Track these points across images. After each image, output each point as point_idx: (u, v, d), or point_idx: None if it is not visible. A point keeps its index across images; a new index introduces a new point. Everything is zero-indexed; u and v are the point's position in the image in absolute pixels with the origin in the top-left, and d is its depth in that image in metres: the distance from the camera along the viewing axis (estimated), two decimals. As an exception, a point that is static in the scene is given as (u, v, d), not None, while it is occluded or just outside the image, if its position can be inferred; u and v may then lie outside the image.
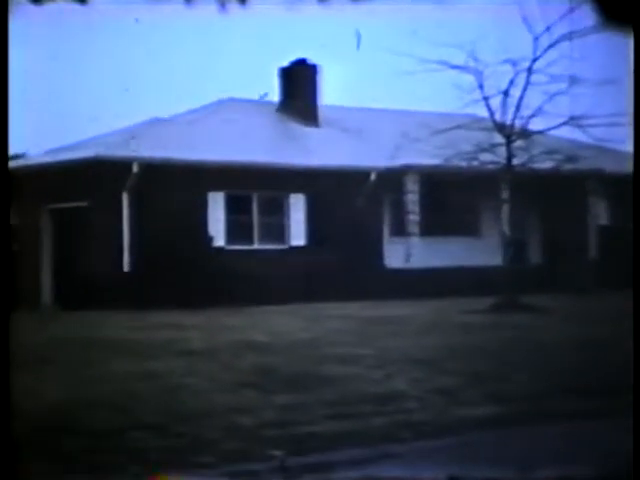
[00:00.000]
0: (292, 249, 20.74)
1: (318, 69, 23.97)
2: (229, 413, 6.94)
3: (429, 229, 21.52)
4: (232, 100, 24.20)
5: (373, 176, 21.26)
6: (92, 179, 18.88)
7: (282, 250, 20.64)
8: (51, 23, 19.50)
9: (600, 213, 23.82)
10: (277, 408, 7.13)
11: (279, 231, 20.90)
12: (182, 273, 18.31)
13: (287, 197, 20.90)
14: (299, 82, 23.76)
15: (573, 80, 17.14)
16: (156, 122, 21.37)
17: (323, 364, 9.44)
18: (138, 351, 10.70)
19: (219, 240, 19.84)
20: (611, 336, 11.76)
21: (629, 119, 16.97)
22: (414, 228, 21.40)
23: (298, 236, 20.85)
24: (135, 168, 18.75)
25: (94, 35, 42.80)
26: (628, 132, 18.99)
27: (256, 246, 20.52)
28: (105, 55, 40.63)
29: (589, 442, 6.30)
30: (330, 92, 24.65)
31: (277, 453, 5.65)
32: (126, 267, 18.80)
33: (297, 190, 20.79)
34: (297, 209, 20.91)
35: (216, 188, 19.86)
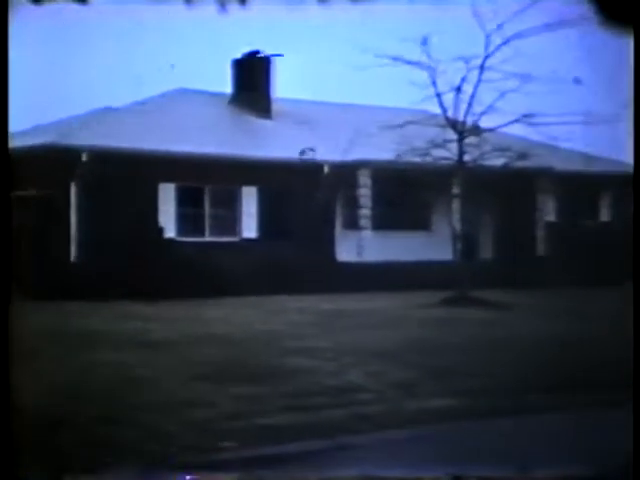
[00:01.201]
0: (244, 241, 20.62)
1: (271, 61, 23.84)
2: (185, 405, 6.86)
3: (381, 223, 21.62)
4: (184, 91, 23.93)
5: (326, 170, 21.24)
6: (41, 167, 18.47)
7: (234, 242, 20.50)
8: (51, 23, 19.17)
9: (548, 210, 24.21)
10: (233, 400, 7.07)
11: (231, 223, 20.75)
12: (131, 264, 18.05)
13: (239, 189, 20.76)
14: (252, 74, 23.59)
15: (525, 78, 17.34)
16: (107, 111, 21.01)
17: (280, 357, 9.41)
18: (90, 342, 10.51)
19: (170, 232, 19.62)
20: (560, 330, 11.96)
21: (584, 118, 17.33)
22: (366, 222, 21.46)
23: (250, 229, 20.74)
24: (84, 157, 18.41)
25: (94, 35, 42.13)
26: (578, 131, 19.37)
27: (208, 238, 20.34)
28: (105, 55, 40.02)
29: (543, 435, 6.38)
30: (284, 85, 24.56)
31: (228, 444, 5.62)
32: (73, 257, 18.46)
33: (249, 182, 20.66)
34: (249, 201, 20.78)
35: (167, 179, 19.61)
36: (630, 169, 25.35)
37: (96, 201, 18.60)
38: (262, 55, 23.70)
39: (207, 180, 20.15)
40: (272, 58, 23.86)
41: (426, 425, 6.54)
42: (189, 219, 20.12)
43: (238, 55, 24.03)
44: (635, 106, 4.29)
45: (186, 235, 19.88)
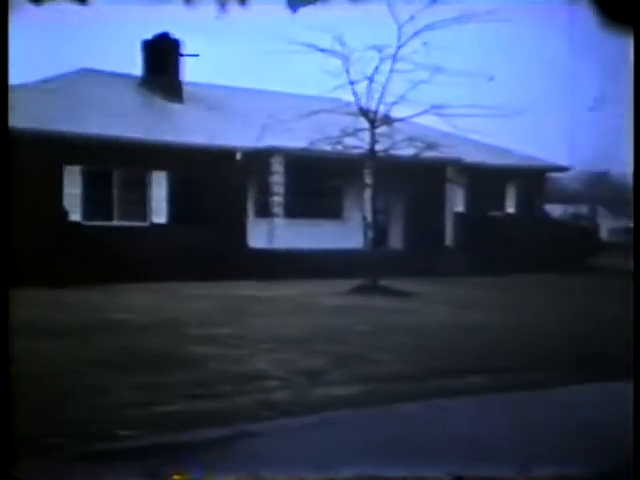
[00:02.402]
0: (153, 226, 20.26)
1: (181, 44, 23.42)
2: (87, 393, 6.68)
3: (293, 211, 21.60)
4: (90, 71, 23.27)
5: (238, 156, 21.06)
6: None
7: (143, 227, 20.11)
8: (51, 23, 18.39)
9: (457, 200, 24.70)
10: (133, 388, 6.92)
11: (140, 208, 20.34)
12: (34, 248, 17.48)
13: (149, 174, 20.36)
14: (162, 57, 23.13)
15: (436, 69, 17.56)
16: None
17: (185, 344, 9.26)
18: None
19: (75, 215, 19.08)
20: (475, 319, 12.21)
21: (494, 111, 17.66)
22: (278, 209, 21.41)
23: (160, 214, 20.38)
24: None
25: (94, 35, 40.48)
26: (488, 123, 19.77)
27: (115, 222, 19.89)
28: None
29: (452, 421, 6.47)
30: (196, 69, 24.22)
31: (125, 433, 5.50)
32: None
33: (159, 167, 20.29)
34: (159, 186, 20.41)
35: (72, 162, 19.05)
36: (536, 163, 26.13)
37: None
38: (171, 37, 23.27)
39: (115, 163, 19.68)
40: (181, 41, 23.43)
41: (331, 412, 6.53)
42: (96, 203, 19.61)
43: (148, 37, 23.55)
44: (635, 106, 4.33)
45: (93, 219, 19.38)
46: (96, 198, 19.63)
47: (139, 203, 20.33)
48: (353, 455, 5.32)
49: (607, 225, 44.85)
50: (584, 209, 44.49)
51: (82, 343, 9.25)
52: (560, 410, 6.96)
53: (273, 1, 2.98)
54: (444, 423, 6.31)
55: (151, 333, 10.18)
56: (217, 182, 20.71)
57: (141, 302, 14.25)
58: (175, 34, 23.28)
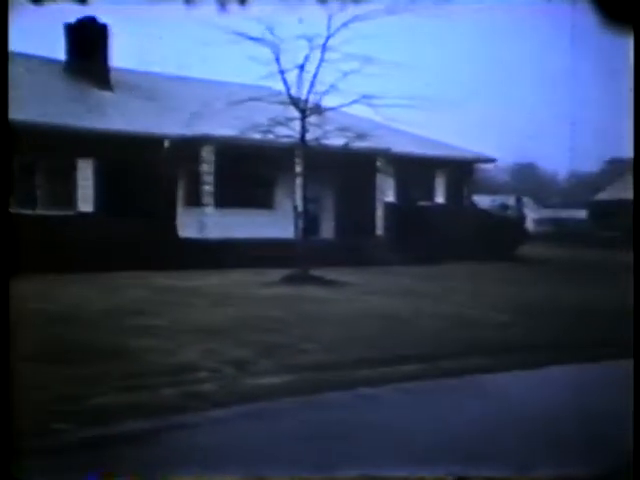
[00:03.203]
0: (79, 215, 19.81)
1: (108, 29, 22.86)
2: (17, 387, 6.47)
3: (224, 200, 21.42)
4: (17, 54, 22.55)
5: (167, 144, 20.76)
6: None
7: (69, 216, 19.65)
8: (51, 23, 17.61)
9: (387, 190, 24.90)
10: (67, 381, 6.77)
11: (66, 196, 19.86)
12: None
13: (74, 161, 19.89)
14: (88, 41, 22.52)
15: (366, 60, 17.61)
16: None
17: (111, 335, 9.09)
18: None
19: (-3, 203, 18.53)
20: (404, 308, 12.32)
21: (423, 102, 17.81)
22: (209, 199, 21.21)
23: (86, 202, 19.94)
24: None
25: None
26: (417, 114, 19.94)
27: (40, 211, 19.38)
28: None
29: (373, 407, 6.51)
30: (124, 55, 23.72)
31: (62, 426, 5.39)
32: None
33: (85, 155, 19.83)
34: (86, 174, 19.96)
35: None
36: (464, 154, 26.51)
37: None
38: (98, 22, 22.69)
39: (39, 151, 19.14)
40: (108, 25, 22.85)
41: (259, 402, 6.51)
42: (19, 191, 19.05)
43: (71, 20, 22.88)
44: (635, 106, 4.36)
45: (15, 207, 18.81)
46: (19, 186, 19.07)
47: (65, 191, 19.86)
48: (280, 445, 5.31)
49: (533, 216, 45.92)
50: (511, 200, 45.45)
51: (14, 334, 8.96)
52: (489, 397, 7.09)
53: (275, 1, 2.96)
54: (370, 411, 6.35)
55: (76, 325, 9.96)
56: (146, 170, 20.38)
57: (66, 293, 13.93)
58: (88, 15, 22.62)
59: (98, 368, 7.34)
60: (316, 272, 16.80)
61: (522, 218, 36.11)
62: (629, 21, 3.60)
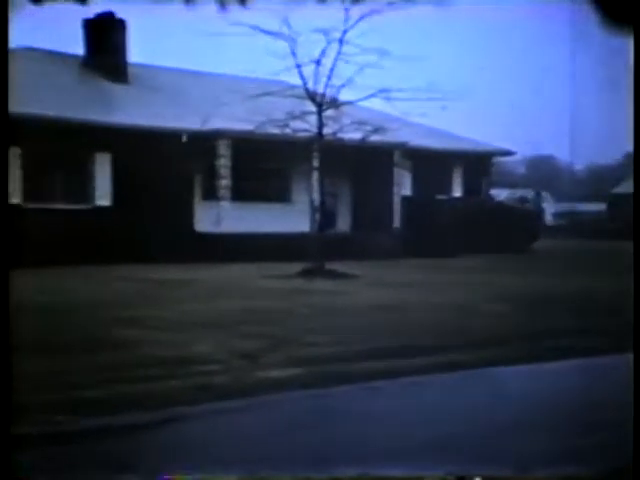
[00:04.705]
0: (97, 209, 19.97)
1: (126, 24, 23.00)
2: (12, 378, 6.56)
3: (240, 194, 21.50)
4: (32, 49, 22.75)
5: (184, 138, 20.86)
6: None
7: (86, 210, 19.82)
8: (51, 23, 17.84)
9: (404, 184, 24.86)
10: (64, 372, 6.85)
11: (83, 190, 20.03)
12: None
13: (92, 155, 20.05)
14: (105, 36, 22.68)
15: (383, 53, 17.58)
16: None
17: (127, 327, 9.19)
18: None
19: (15, 197, 18.72)
20: (414, 301, 12.33)
21: (438, 95, 17.75)
22: (225, 193, 21.29)
23: (103, 196, 20.10)
24: None
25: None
26: (434, 108, 19.86)
27: (58, 205, 19.55)
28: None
29: (384, 399, 6.54)
30: (141, 50, 23.84)
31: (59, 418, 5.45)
32: None
33: (103, 149, 19.98)
34: (103, 168, 20.12)
35: (12, 142, 18.64)
36: (482, 147, 26.32)
37: None
38: (116, 17, 22.83)
39: (57, 145, 19.32)
40: (126, 21, 23.00)
41: (266, 394, 6.55)
42: (37, 185, 19.25)
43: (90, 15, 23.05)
44: (635, 106, 4.36)
45: (34, 201, 19.02)
46: (37, 180, 19.27)
47: (82, 185, 20.03)
48: (290, 438, 5.34)
49: (551, 209, 45.62)
50: (529, 193, 45.19)
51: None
52: (500, 390, 7.09)
53: (275, 1, 3.00)
54: (378, 404, 6.37)
55: (93, 316, 10.07)
56: (163, 165, 20.50)
57: (82, 285, 14.08)
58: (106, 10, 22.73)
59: (93, 359, 7.41)
60: (332, 265, 16.83)
61: (540, 211, 35.92)
62: (629, 21, 3.60)
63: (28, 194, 18.96)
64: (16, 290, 13.56)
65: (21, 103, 18.95)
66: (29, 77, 20.70)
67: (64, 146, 19.49)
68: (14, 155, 18.78)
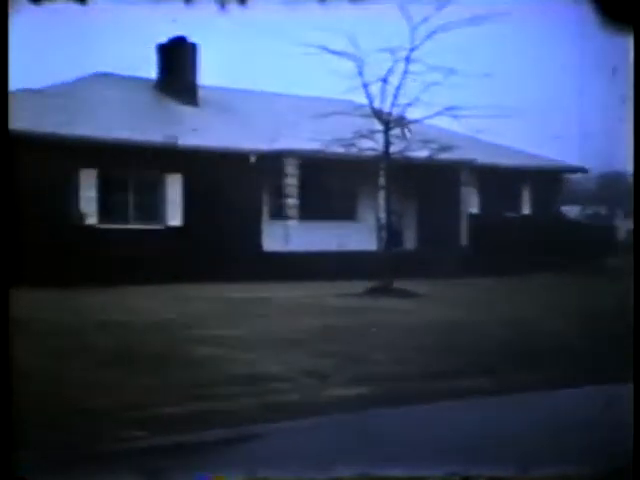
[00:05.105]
0: (168, 229, 20.39)
1: (197, 48, 23.60)
2: (89, 394, 6.75)
3: (308, 213, 21.65)
4: (107, 75, 23.46)
5: (252, 159, 21.15)
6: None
7: (158, 230, 20.25)
8: (51, 23, 18.69)
9: (471, 202, 24.64)
10: (140, 389, 7.00)
11: (155, 211, 20.49)
12: (50, 250, 17.70)
13: (164, 176, 20.50)
14: (178, 60, 23.32)
15: (449, 71, 17.55)
16: (26, 93, 20.43)
17: (197, 345, 9.33)
18: None
19: (91, 218, 19.26)
20: (481, 320, 12.20)
21: (503, 112, 17.66)
22: (293, 212, 21.47)
23: (175, 217, 20.51)
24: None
25: (94, 35, 41.07)
26: (501, 124, 19.73)
27: (131, 225, 20.04)
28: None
29: (456, 422, 6.49)
30: (209, 72, 24.34)
31: (137, 434, 5.56)
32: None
33: (174, 170, 20.42)
34: (174, 189, 20.54)
35: (88, 165, 19.22)
36: (552, 163, 25.95)
37: (12, 186, 18.10)
38: (187, 41, 23.42)
39: (130, 166, 19.83)
40: (197, 44, 23.60)
41: (337, 413, 6.58)
42: (111, 206, 19.78)
43: (163, 40, 23.71)
44: (635, 105, 4.32)
45: (108, 222, 19.54)
46: (111, 201, 19.80)
47: (154, 206, 20.48)
48: (356, 456, 5.35)
49: (625, 226, 44.49)
50: (602, 210, 44.20)
51: (88, 343, 9.33)
52: (560, 412, 6.96)
53: (275, 1, 3.03)
54: (448, 424, 6.33)
55: (168, 334, 10.27)
56: (232, 185, 20.81)
57: (154, 305, 14.35)
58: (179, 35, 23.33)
59: (170, 377, 7.54)
60: (399, 284, 16.78)
61: (613, 228, 35.07)
62: (629, 21, 3.54)
63: (103, 214, 19.49)
64: (96, 308, 13.97)
65: (95, 126, 19.56)
66: (102, 101, 21.35)
67: (137, 167, 19.99)
68: (90, 177, 19.36)
